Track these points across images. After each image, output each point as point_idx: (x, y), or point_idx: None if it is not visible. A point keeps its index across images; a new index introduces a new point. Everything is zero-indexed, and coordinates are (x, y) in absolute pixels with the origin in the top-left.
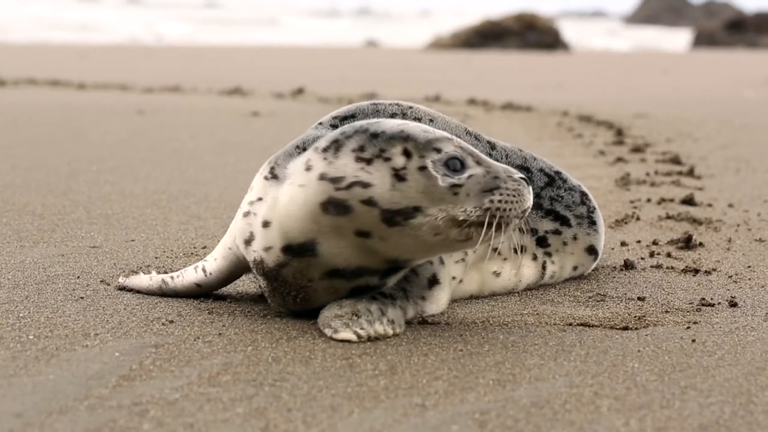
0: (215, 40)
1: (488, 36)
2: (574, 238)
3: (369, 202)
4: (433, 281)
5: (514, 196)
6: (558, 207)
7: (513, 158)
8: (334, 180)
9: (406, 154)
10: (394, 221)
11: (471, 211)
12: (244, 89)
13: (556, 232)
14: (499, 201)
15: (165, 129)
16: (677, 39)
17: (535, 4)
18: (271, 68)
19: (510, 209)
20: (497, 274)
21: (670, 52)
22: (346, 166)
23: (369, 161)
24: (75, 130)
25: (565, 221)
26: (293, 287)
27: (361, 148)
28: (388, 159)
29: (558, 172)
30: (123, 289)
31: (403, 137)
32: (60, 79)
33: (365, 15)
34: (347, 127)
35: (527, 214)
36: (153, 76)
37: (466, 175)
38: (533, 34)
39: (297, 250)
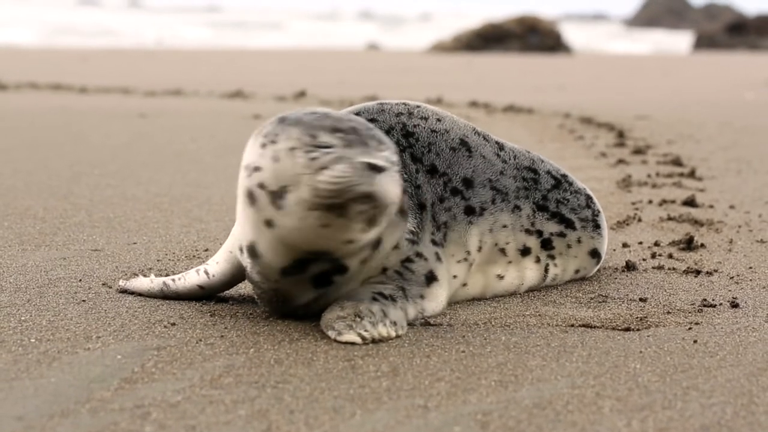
0: (217, 44)
1: (490, 39)
2: (578, 241)
3: (261, 186)
4: (431, 278)
5: (347, 177)
6: (564, 210)
7: (521, 159)
8: (246, 167)
9: (290, 138)
10: (277, 204)
11: (314, 191)
12: (245, 92)
13: (561, 235)
14: (332, 182)
15: (166, 132)
16: (678, 42)
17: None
18: (272, 71)
19: (343, 190)
20: (501, 277)
21: (671, 55)
22: (252, 153)
23: (264, 146)
24: (76, 133)
25: (570, 224)
26: (268, 289)
27: (266, 135)
28: (274, 142)
29: (564, 175)
30: (124, 292)
31: (294, 122)
32: (62, 83)
33: (367, 18)
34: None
35: (382, 203)
36: (154, 80)
37: (321, 154)
38: (535, 37)
39: (251, 253)
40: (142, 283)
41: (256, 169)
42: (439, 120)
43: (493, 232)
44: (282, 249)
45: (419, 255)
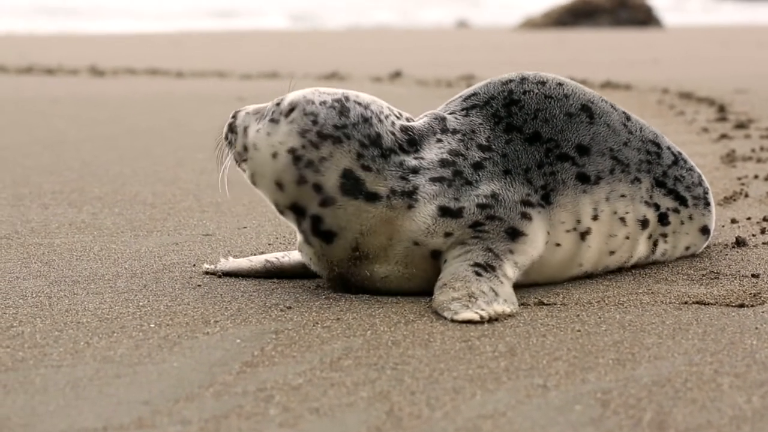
0: (307, 26)
1: (579, 14)
2: (690, 218)
3: None
4: (514, 233)
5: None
6: (680, 187)
7: (646, 132)
8: None
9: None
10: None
11: None
12: (341, 73)
13: (675, 211)
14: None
15: None
16: None
17: None
18: (366, 51)
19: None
20: (612, 253)
21: (765, 25)
22: None
23: None
24: (177, 119)
25: (683, 201)
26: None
27: None
28: None
29: (680, 152)
30: (226, 274)
31: None
32: (158, 68)
33: None
34: None
35: (228, 145)
36: (249, 63)
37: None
38: (625, 11)
39: None
40: (240, 262)
41: None
42: (560, 84)
43: (610, 201)
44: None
45: (491, 218)
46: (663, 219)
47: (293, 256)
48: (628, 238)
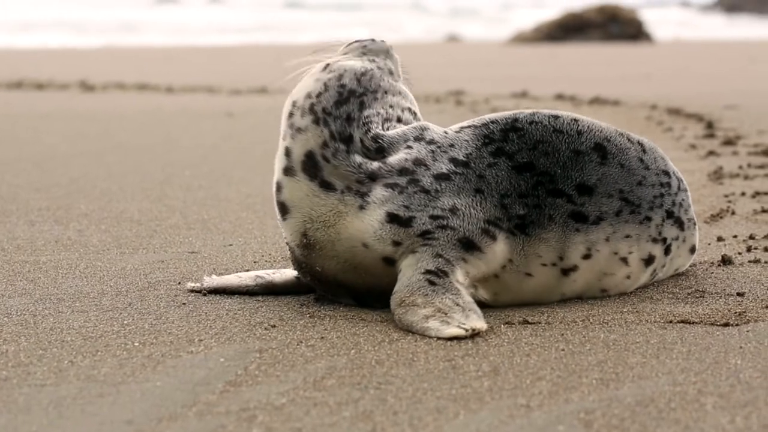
0: (297, 40)
1: (570, 29)
2: (684, 240)
3: None
4: (469, 245)
5: None
6: (681, 213)
7: (659, 162)
8: None
9: None
10: None
11: None
12: None
13: (676, 239)
14: None
15: (255, 131)
16: (763, 27)
17: None
18: None
19: None
20: (605, 290)
21: (757, 41)
22: None
23: None
24: (166, 134)
25: (682, 226)
26: None
27: None
28: None
29: (675, 171)
30: (211, 291)
31: None
32: (148, 83)
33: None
34: None
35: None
36: (239, 78)
37: None
38: (616, 26)
39: None
40: (228, 279)
41: None
42: (575, 120)
43: (611, 242)
44: None
45: (443, 227)
46: (667, 250)
47: (285, 272)
48: (629, 277)
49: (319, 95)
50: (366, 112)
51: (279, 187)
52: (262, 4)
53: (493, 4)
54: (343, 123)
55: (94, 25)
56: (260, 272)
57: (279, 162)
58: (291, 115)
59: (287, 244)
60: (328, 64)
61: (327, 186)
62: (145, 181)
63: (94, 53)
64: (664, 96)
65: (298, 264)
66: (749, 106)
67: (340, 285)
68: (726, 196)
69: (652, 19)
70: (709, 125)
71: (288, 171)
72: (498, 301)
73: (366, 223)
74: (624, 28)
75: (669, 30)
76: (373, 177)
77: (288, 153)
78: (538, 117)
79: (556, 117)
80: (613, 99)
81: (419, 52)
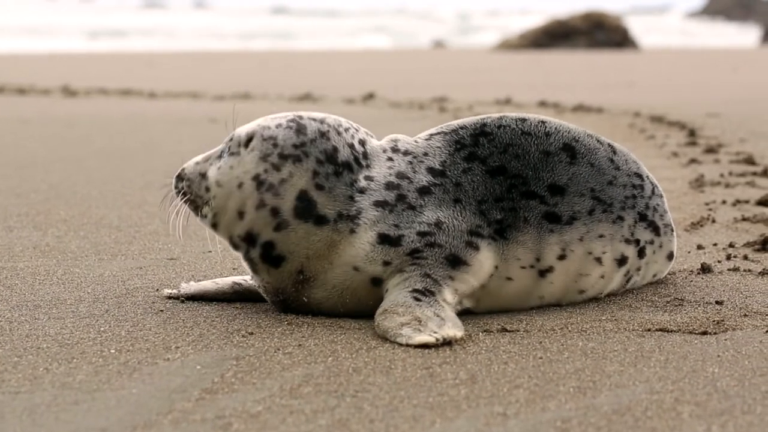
0: (282, 46)
1: (556, 36)
2: (660, 246)
3: None
4: (456, 261)
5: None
6: (656, 217)
7: (630, 165)
8: None
9: None
10: None
11: None
12: (314, 95)
13: (651, 243)
14: None
15: None
16: (746, 35)
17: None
18: (340, 73)
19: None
20: (582, 292)
21: (740, 49)
22: None
23: None
24: (148, 140)
25: (657, 231)
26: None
27: None
28: None
29: (648, 176)
30: (189, 298)
31: None
32: (131, 89)
33: (431, 16)
34: None
35: (178, 193)
36: (222, 84)
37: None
38: (601, 33)
39: None
40: (206, 285)
41: None
42: (542, 123)
43: (585, 241)
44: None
45: (431, 245)
46: (641, 253)
47: None
48: (603, 277)
49: (276, 144)
50: (329, 122)
51: (271, 246)
52: (248, 11)
53: (479, 11)
54: (320, 141)
55: (78, 30)
56: (238, 278)
57: (263, 226)
58: (262, 183)
59: (264, 286)
60: (251, 137)
61: (321, 220)
62: (125, 187)
63: (77, 58)
64: (647, 104)
65: (281, 302)
66: (731, 114)
67: (321, 312)
68: (707, 204)
69: (638, 26)
70: (692, 133)
71: (279, 227)
72: (480, 307)
73: (357, 248)
74: (609, 36)
75: (654, 37)
76: (362, 192)
77: (275, 212)
78: (505, 120)
79: (524, 120)
80: (597, 106)
81: (404, 58)
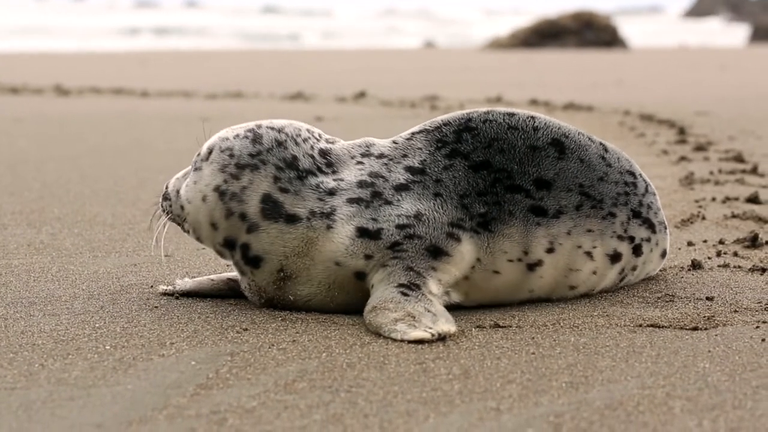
0: (276, 45)
1: (546, 35)
2: (656, 243)
3: None
4: (437, 252)
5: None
6: (651, 215)
7: (623, 162)
8: None
9: None
10: None
11: None
12: (306, 94)
13: (648, 240)
14: None
15: None
16: (735, 34)
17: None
18: (331, 72)
19: None
20: (573, 288)
21: (729, 48)
22: None
23: None
24: (140, 139)
25: (653, 228)
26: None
27: None
28: None
29: (641, 174)
30: (184, 294)
31: None
32: (123, 88)
33: (422, 16)
34: None
35: (165, 213)
36: (214, 83)
37: None
38: (591, 32)
39: None
40: (201, 282)
41: None
42: (531, 118)
43: (573, 235)
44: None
45: (410, 237)
46: (637, 250)
47: None
48: (595, 273)
49: (233, 155)
50: (288, 131)
51: (247, 248)
52: (239, 10)
53: (470, 10)
54: (277, 150)
55: (71, 29)
56: (232, 275)
57: (236, 231)
58: (224, 193)
59: (249, 286)
60: (211, 150)
61: (292, 219)
62: (118, 185)
63: (69, 57)
64: (637, 102)
65: (266, 300)
66: (720, 112)
67: (310, 309)
68: (697, 201)
69: (627, 25)
70: (681, 131)
71: (250, 229)
72: (470, 301)
73: (337, 243)
74: (599, 35)
75: (643, 36)
76: (332, 193)
77: (243, 216)
78: (492, 115)
79: (512, 114)
80: (587, 105)
81: (395, 57)
